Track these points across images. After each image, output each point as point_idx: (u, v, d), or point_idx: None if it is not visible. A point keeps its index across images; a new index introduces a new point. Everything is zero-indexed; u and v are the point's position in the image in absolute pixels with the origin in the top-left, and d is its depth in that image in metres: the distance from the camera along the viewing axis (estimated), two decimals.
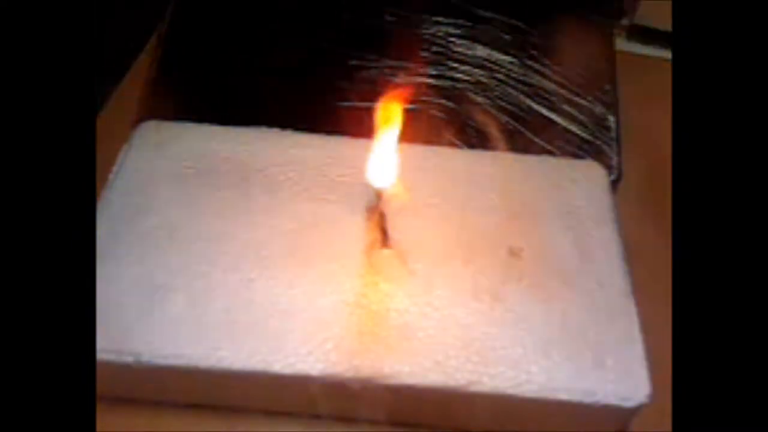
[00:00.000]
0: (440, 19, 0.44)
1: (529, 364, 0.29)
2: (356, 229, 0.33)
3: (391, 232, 0.32)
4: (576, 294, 0.31)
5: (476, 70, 0.42)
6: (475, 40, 0.43)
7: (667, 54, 0.50)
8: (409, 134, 0.37)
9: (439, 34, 0.44)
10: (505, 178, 0.36)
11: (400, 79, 0.41)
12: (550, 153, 0.39)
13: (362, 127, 0.38)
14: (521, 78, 0.42)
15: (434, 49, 0.43)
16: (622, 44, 0.50)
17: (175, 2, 0.45)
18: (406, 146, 0.36)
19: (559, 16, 0.45)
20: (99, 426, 0.25)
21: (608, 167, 0.38)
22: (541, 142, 0.40)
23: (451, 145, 0.39)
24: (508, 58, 0.43)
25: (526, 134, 0.40)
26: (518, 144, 0.40)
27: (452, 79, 0.42)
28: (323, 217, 0.33)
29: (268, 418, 0.31)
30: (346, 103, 0.41)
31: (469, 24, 0.44)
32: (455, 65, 0.42)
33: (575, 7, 0.45)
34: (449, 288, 0.31)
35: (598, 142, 0.40)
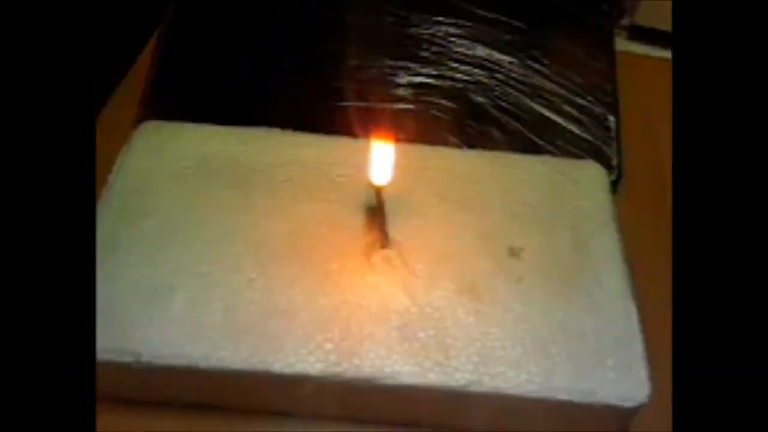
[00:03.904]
0: (440, 19, 0.44)
1: (529, 364, 0.29)
2: (356, 229, 0.33)
3: (391, 232, 0.32)
4: (576, 294, 0.31)
5: (476, 70, 0.42)
6: (475, 40, 0.43)
7: (667, 54, 0.50)
8: (409, 134, 0.37)
9: (439, 34, 0.44)
10: (505, 178, 0.36)
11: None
12: (550, 153, 0.39)
13: (362, 127, 0.38)
14: (521, 78, 0.42)
15: (434, 49, 0.43)
16: (622, 44, 0.50)
17: (175, 2, 0.45)
18: (406, 146, 0.36)
19: (559, 16, 0.45)
20: (99, 426, 0.25)
21: (608, 167, 0.38)
22: (541, 142, 0.40)
23: (451, 145, 0.39)
24: (508, 58, 0.43)
25: (526, 134, 0.40)
26: (518, 144, 0.40)
27: (452, 79, 0.42)
28: (323, 217, 0.33)
29: (268, 418, 0.31)
30: (346, 103, 0.41)
31: (469, 24, 0.44)
32: (455, 65, 0.42)
33: (575, 7, 0.45)
34: (449, 288, 0.31)
35: (598, 142, 0.40)
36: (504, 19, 0.44)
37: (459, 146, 0.39)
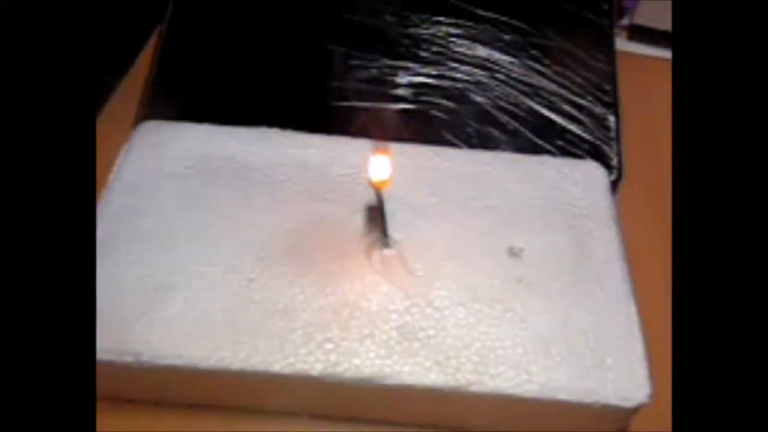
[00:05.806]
0: (440, 19, 0.44)
1: (529, 364, 0.29)
2: (356, 229, 0.33)
3: (391, 232, 0.32)
4: (576, 294, 0.31)
5: (476, 70, 0.42)
6: (475, 40, 0.43)
7: (667, 54, 0.50)
8: (409, 134, 0.37)
9: (439, 34, 0.44)
10: (505, 178, 0.36)
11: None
12: (550, 153, 0.39)
13: (362, 127, 0.38)
14: (521, 78, 0.42)
15: (434, 49, 0.43)
16: (622, 44, 0.50)
17: (175, 2, 0.45)
18: (406, 146, 0.36)
19: (559, 16, 0.45)
20: (99, 426, 0.25)
21: (608, 167, 0.38)
22: (541, 142, 0.40)
23: (451, 145, 0.39)
24: (508, 58, 0.43)
25: (526, 134, 0.40)
26: (518, 144, 0.40)
27: (452, 79, 0.42)
28: (323, 217, 0.33)
29: (268, 418, 0.31)
30: (346, 103, 0.41)
31: (469, 24, 0.44)
32: (455, 65, 0.42)
33: (575, 7, 0.45)
34: (449, 288, 0.31)
35: (598, 142, 0.40)
36: (504, 19, 0.44)
37: (459, 146, 0.39)
